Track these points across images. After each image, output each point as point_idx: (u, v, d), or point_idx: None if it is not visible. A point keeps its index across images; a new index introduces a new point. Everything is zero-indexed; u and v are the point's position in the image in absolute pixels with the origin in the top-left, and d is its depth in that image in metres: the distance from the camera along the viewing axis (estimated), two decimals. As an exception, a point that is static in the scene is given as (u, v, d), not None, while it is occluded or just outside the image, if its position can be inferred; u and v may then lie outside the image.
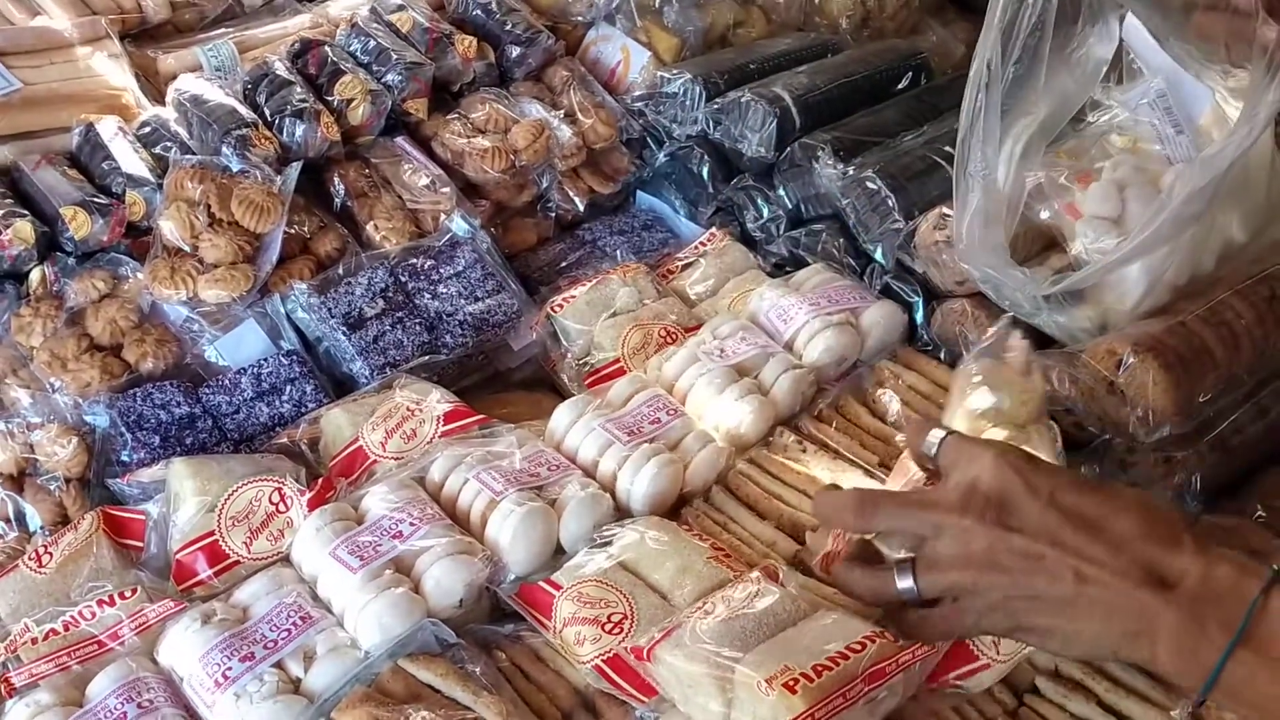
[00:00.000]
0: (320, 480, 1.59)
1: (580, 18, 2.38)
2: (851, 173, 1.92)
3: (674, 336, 1.88)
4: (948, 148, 1.95)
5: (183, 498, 1.55)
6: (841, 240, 1.96)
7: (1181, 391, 1.48)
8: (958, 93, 2.17)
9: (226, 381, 1.74)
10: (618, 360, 1.85)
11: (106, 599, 1.45)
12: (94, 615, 1.44)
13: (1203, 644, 0.95)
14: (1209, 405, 1.54)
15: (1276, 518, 1.50)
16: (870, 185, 1.89)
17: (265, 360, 1.77)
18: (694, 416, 1.71)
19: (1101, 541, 0.99)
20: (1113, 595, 0.98)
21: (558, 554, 1.53)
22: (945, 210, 1.77)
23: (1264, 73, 1.35)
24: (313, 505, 1.52)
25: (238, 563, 1.50)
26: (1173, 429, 1.50)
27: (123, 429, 1.66)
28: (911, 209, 1.86)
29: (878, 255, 1.91)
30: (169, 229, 1.82)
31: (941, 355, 1.82)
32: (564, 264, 2.12)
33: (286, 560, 1.51)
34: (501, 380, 1.96)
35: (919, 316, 1.86)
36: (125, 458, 1.66)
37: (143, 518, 1.56)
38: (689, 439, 1.67)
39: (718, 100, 2.13)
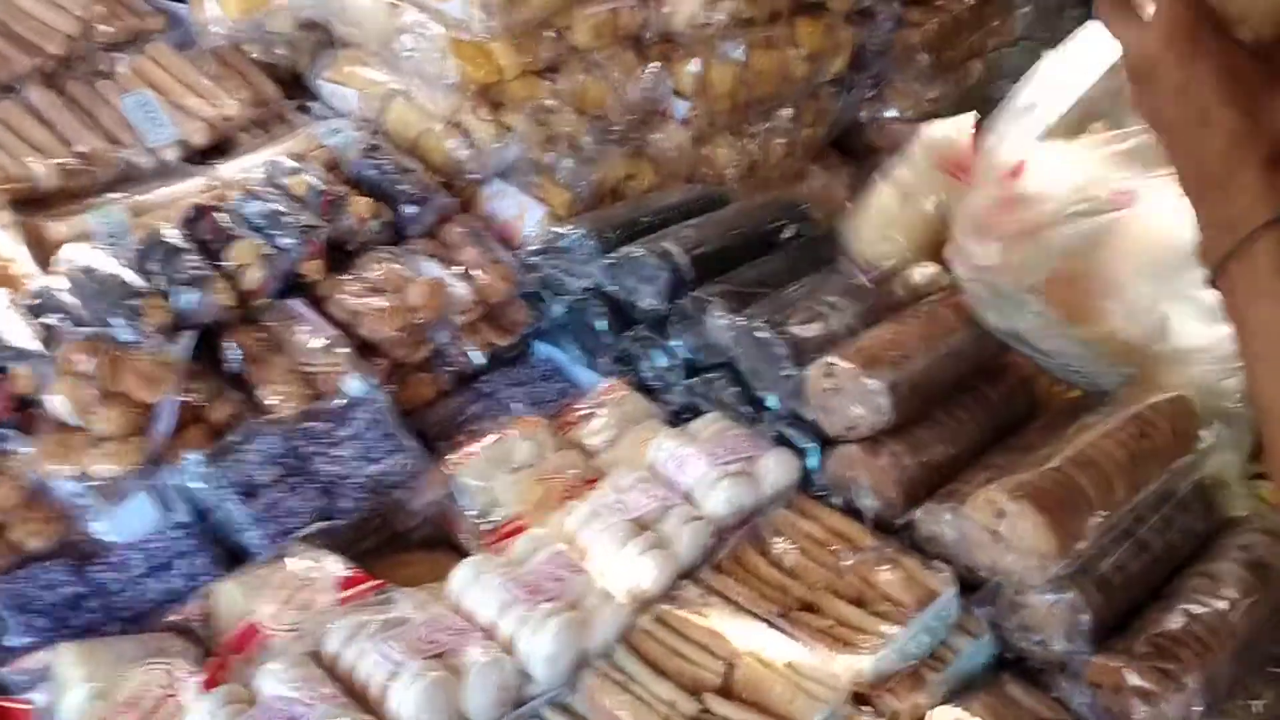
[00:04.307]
0: (213, 660, 1.56)
1: (475, 175, 2.43)
2: (741, 323, 1.97)
3: (575, 490, 1.89)
4: (829, 298, 2.03)
5: (70, 685, 1.50)
6: (736, 388, 2.00)
7: (1061, 534, 1.53)
8: (834, 244, 2.27)
9: (115, 558, 1.71)
10: (519, 517, 1.85)
11: (-13, 800, 1.40)
12: (-27, 820, 1.39)
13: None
14: (1090, 546, 1.58)
15: (1163, 655, 1.54)
16: (760, 335, 1.94)
17: (156, 534, 1.73)
18: (596, 572, 1.71)
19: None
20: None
21: (460, 722, 1.51)
22: (830, 359, 1.83)
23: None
24: (206, 687, 1.48)
25: (126, 753, 1.46)
26: (1058, 571, 1.55)
27: (6, 613, 1.61)
28: (800, 357, 1.91)
29: (770, 403, 1.95)
30: (58, 403, 1.80)
31: (838, 501, 1.85)
32: (463, 418, 2.12)
33: (177, 749, 1.47)
34: (401, 541, 1.93)
35: (813, 463, 1.90)
36: (11, 643, 1.60)
37: (30, 707, 1.51)
38: (590, 597, 1.67)
39: (611, 255, 2.18)
